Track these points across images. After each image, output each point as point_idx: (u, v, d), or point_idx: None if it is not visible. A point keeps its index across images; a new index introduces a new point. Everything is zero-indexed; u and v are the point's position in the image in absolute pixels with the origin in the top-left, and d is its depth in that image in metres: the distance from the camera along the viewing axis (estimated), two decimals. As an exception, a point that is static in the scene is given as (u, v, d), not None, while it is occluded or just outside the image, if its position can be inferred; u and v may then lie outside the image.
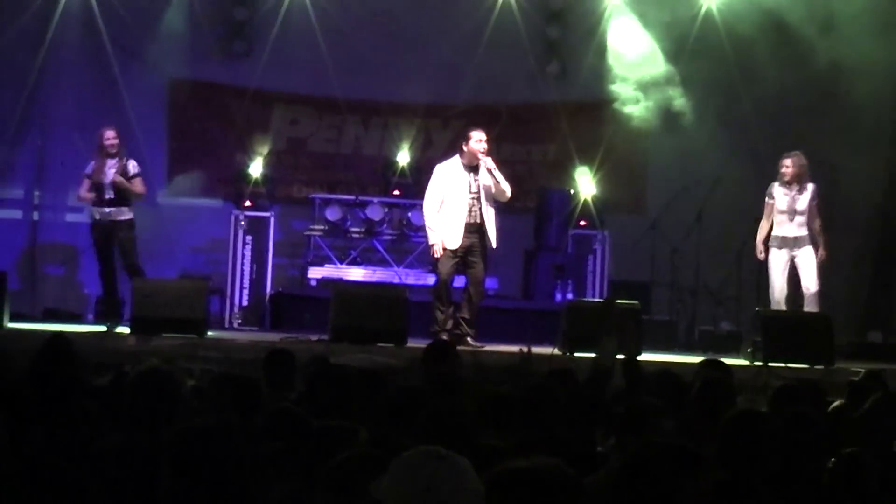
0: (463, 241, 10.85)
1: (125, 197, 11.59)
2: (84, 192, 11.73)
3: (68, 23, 14.52)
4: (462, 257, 10.91)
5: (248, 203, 13.90)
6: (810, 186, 11.25)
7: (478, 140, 10.92)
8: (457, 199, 10.84)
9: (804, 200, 11.17)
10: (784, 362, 10.19)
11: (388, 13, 15.01)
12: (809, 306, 11.23)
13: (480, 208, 10.87)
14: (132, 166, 11.66)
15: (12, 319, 11.12)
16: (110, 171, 11.55)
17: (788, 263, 11.26)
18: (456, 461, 2.93)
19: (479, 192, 10.88)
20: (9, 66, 14.35)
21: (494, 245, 10.98)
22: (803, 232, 11.20)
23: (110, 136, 11.59)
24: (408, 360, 8.83)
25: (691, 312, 13.70)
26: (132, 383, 4.61)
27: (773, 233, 11.30)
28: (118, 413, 4.67)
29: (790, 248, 11.23)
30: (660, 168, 15.24)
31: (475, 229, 10.87)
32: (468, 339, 10.75)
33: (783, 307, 11.29)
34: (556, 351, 10.55)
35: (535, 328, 12.25)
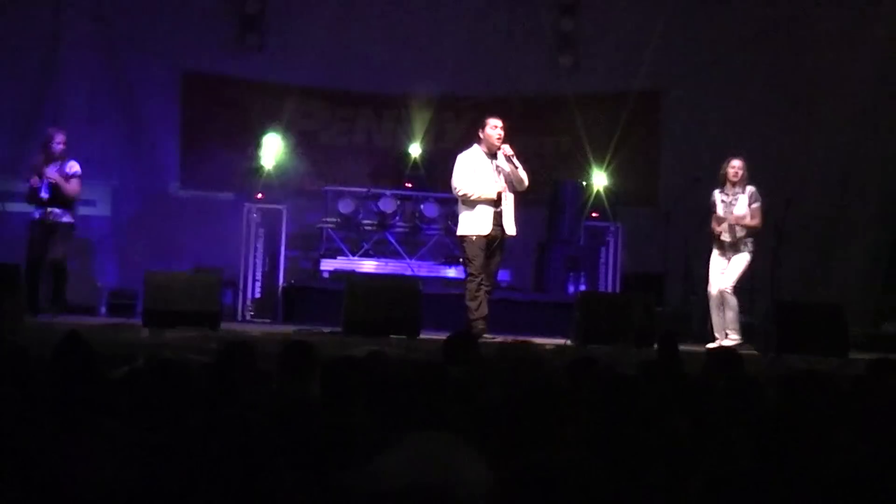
0: (493, 230, 10.69)
1: (63, 198, 11.57)
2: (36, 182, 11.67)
3: (80, 16, 14.54)
4: (489, 248, 10.77)
5: (260, 196, 13.92)
6: (749, 189, 11.25)
7: (493, 126, 10.70)
8: (484, 186, 10.73)
9: (742, 205, 11.17)
10: (797, 353, 10.17)
11: (401, 5, 15.01)
12: (714, 301, 11.33)
13: (502, 196, 10.74)
14: (70, 167, 11.62)
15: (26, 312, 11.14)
16: (50, 173, 11.51)
17: (725, 264, 11.33)
18: (456, 442, 2.93)
19: (500, 180, 10.79)
20: (20, 59, 14.37)
21: (514, 233, 10.87)
22: (740, 235, 11.24)
23: (61, 139, 11.56)
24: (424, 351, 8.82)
25: (704, 304, 13.67)
26: (145, 376, 4.61)
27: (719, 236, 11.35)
28: (134, 406, 4.66)
29: (727, 252, 11.28)
30: (672, 159, 15.22)
31: (500, 219, 10.74)
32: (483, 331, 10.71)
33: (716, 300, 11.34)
34: (569, 343, 10.57)
35: (548, 320, 12.26)
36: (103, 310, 13.65)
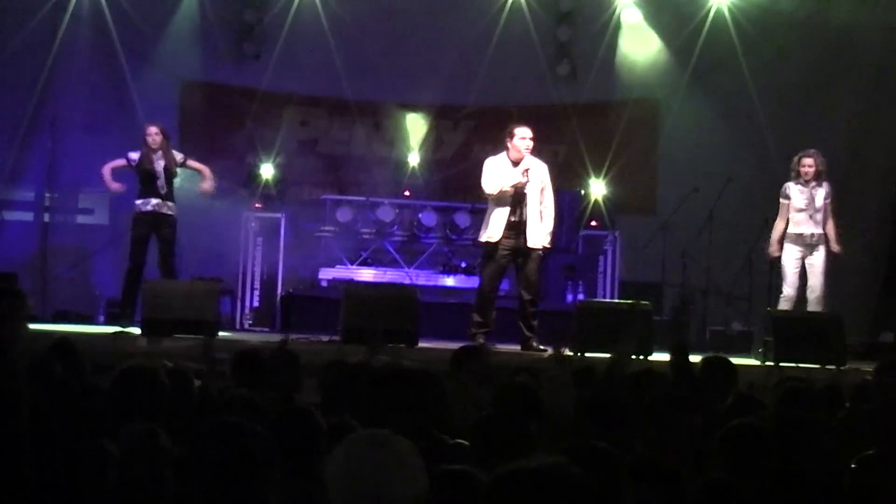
0: (506, 241, 10.68)
1: (173, 192, 11.71)
2: (108, 170, 11.82)
3: (78, 25, 14.53)
4: (509, 260, 10.78)
5: (258, 204, 13.91)
6: (825, 185, 11.32)
7: (521, 137, 10.74)
8: (503, 194, 10.69)
9: (821, 197, 11.26)
10: (795, 363, 10.16)
11: (399, 14, 15.00)
12: (813, 308, 11.31)
13: (524, 207, 10.69)
14: (177, 153, 11.83)
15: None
16: (160, 163, 11.63)
17: (801, 262, 11.34)
18: (400, 446, 2.92)
19: (524, 190, 10.71)
20: (19, 68, 14.35)
21: (540, 245, 10.78)
22: (820, 230, 11.30)
23: (152, 131, 11.70)
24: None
25: (702, 313, 13.68)
26: (122, 383, 4.61)
27: (790, 230, 11.38)
28: (118, 413, 4.66)
29: (805, 245, 11.30)
30: (670, 168, 15.22)
31: (521, 229, 10.68)
32: (532, 342, 10.68)
33: (792, 303, 11.34)
34: (567, 351, 10.55)
35: (546, 328, 12.25)
36: (101, 318, 13.62)
